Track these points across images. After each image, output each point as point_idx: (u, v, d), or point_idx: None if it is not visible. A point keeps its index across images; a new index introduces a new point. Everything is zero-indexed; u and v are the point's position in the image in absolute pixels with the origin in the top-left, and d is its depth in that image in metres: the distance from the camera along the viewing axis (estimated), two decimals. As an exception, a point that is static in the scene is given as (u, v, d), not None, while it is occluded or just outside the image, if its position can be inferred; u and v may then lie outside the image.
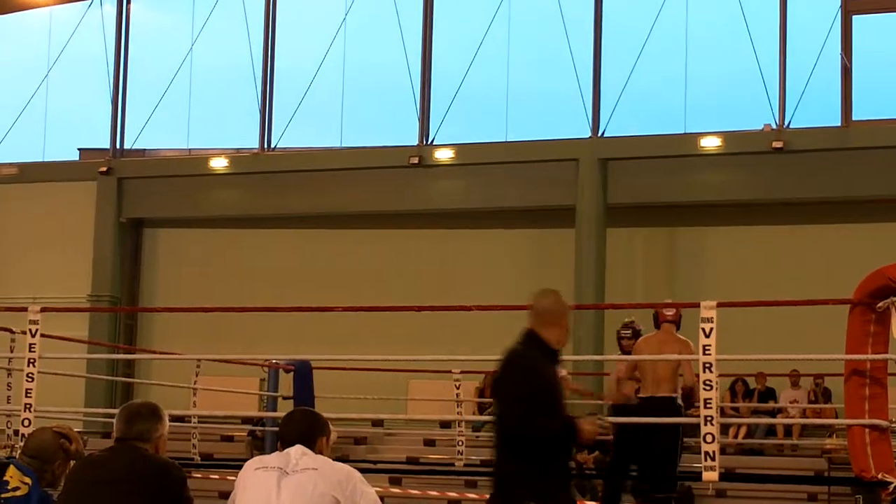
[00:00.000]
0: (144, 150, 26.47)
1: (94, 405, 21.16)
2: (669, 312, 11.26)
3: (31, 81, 26.44)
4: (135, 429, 5.38)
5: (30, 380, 9.87)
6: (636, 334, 12.21)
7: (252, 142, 25.36)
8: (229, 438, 21.36)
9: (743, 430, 19.75)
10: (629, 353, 12.09)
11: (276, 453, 5.40)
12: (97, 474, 5.26)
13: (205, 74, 25.77)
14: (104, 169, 25.57)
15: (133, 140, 26.11)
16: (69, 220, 25.74)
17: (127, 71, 26.32)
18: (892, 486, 7.87)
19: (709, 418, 7.92)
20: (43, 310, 9.94)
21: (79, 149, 27.47)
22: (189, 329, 23.09)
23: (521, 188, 22.85)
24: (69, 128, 27.00)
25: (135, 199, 25.73)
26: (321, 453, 5.36)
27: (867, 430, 7.96)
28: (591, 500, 17.72)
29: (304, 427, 5.43)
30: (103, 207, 25.60)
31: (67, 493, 5.28)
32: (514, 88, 23.87)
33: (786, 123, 21.82)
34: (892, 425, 7.98)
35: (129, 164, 25.91)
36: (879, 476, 7.89)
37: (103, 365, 21.12)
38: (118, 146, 26.14)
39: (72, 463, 5.62)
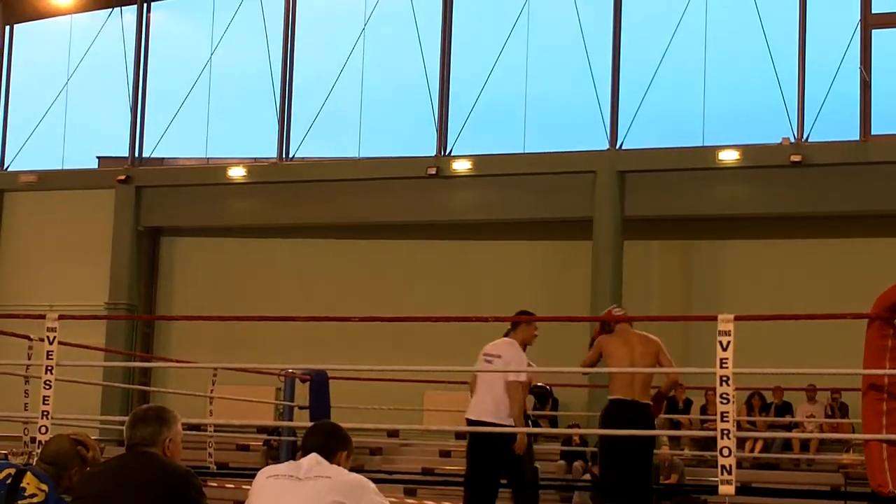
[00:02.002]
0: (163, 158, 26.55)
1: (111, 413, 21.20)
2: (619, 311, 10.96)
3: (51, 89, 26.55)
4: (139, 433, 5.36)
5: (47, 387, 9.88)
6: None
7: (270, 151, 25.42)
8: (245, 447, 21.39)
9: (759, 444, 19.71)
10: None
11: (289, 462, 5.40)
12: (108, 481, 5.26)
13: (224, 84, 25.85)
14: (123, 177, 25.65)
15: (152, 149, 26.20)
16: (87, 229, 25.83)
17: (146, 79, 26.41)
18: (909, 501, 7.84)
19: (725, 432, 7.90)
20: (61, 317, 9.95)
21: (97, 157, 27.59)
22: (206, 337, 23.13)
23: (538, 200, 22.85)
24: (88, 136, 27.11)
25: (153, 208, 25.80)
26: (339, 465, 5.35)
27: (885, 445, 7.94)
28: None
29: (325, 439, 5.42)
30: (121, 216, 25.67)
31: (78, 499, 5.28)
32: (531, 100, 23.89)
33: (804, 137, 21.78)
34: (910, 440, 7.95)
35: (147, 173, 25.98)
36: (896, 491, 7.86)
37: (120, 373, 21.19)
38: (137, 155, 26.22)
39: (88, 470, 5.63)
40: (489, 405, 10.57)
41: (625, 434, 10.01)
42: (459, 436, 19.52)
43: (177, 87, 25.70)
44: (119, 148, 26.46)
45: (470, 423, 10.68)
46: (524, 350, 10.74)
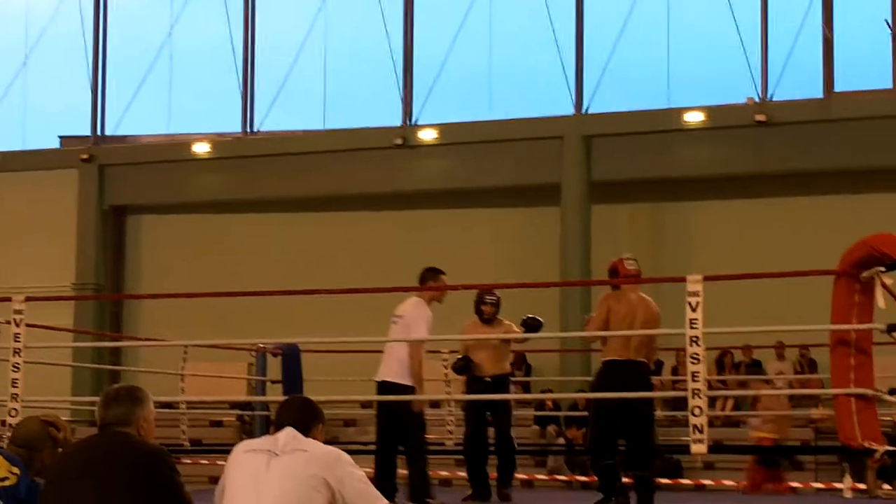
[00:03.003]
0: (125, 136, 26.37)
1: (81, 394, 21.11)
2: (633, 267, 10.62)
3: (10, 69, 26.31)
4: (112, 413, 5.34)
5: (16, 370, 9.85)
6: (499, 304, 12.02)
7: (234, 126, 25.31)
8: (218, 423, 21.37)
9: (730, 403, 19.82)
10: (489, 320, 11.95)
11: (266, 436, 5.40)
12: (81, 461, 5.24)
13: (185, 59, 25.68)
14: (85, 156, 25.48)
15: (114, 127, 26.03)
16: (51, 209, 25.65)
17: (106, 57, 26.18)
18: (879, 453, 7.90)
19: (696, 391, 7.94)
20: (27, 299, 9.91)
21: (59, 136, 27.34)
22: (175, 315, 23.01)
23: (505, 167, 22.85)
24: (49, 115, 26.87)
25: (117, 186, 25.65)
26: (314, 439, 5.36)
27: (853, 399, 7.99)
28: (582, 475, 17.84)
29: (300, 414, 5.43)
30: (85, 195, 25.52)
31: (52, 481, 5.26)
32: (496, 67, 23.86)
33: (768, 96, 21.85)
34: (878, 394, 8.01)
35: (110, 151, 25.81)
36: (866, 444, 7.92)
37: (89, 353, 21.06)
38: (99, 133, 26.03)
39: (59, 451, 5.60)
40: (394, 366, 10.63)
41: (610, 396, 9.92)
42: (433, 404, 19.57)
43: (137, 64, 25.52)
44: (81, 127, 26.25)
45: (377, 385, 10.73)
46: (429, 305, 10.72)
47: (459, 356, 12.26)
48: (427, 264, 11.29)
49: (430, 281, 10.93)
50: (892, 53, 21.39)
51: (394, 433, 10.64)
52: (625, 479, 10.23)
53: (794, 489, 16.71)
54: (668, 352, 19.20)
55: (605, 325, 10.13)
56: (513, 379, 12.83)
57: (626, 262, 10.60)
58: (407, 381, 10.54)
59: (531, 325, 11.87)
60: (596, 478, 10.38)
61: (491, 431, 12.21)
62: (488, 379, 11.96)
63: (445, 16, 23.79)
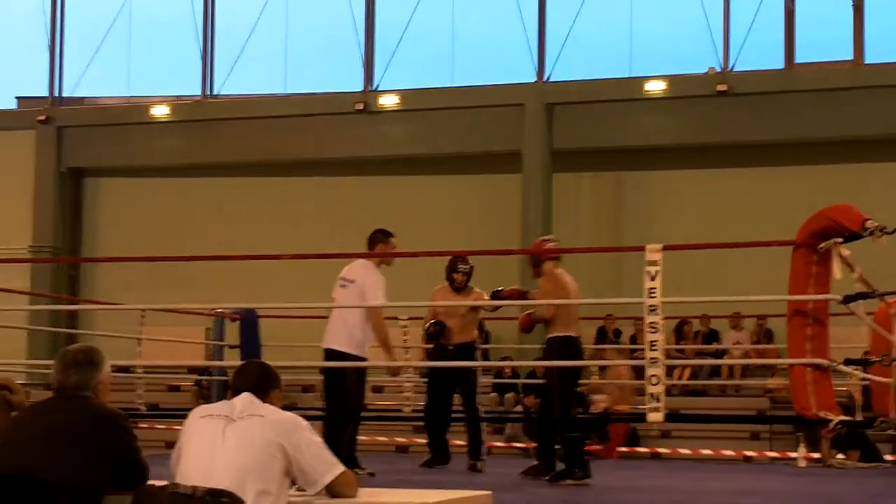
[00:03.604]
0: (84, 98, 26.15)
1: (37, 357, 20.99)
2: (554, 244, 10.65)
3: (-34, 29, 26.03)
4: (72, 379, 5.30)
5: (-29, 332, 9.79)
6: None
7: (194, 89, 25.14)
8: (176, 388, 21.31)
9: (687, 372, 19.94)
10: (460, 289, 11.89)
11: (223, 402, 5.37)
12: (37, 426, 5.20)
13: (144, 20, 25.44)
14: (43, 118, 25.26)
15: (72, 88, 25.81)
16: (8, 170, 25.41)
17: (64, 17, 25.92)
18: (833, 423, 7.96)
19: (654, 360, 7.96)
20: (-17, 261, 9.84)
21: (17, 97, 27.09)
22: (133, 279, 22.91)
23: (466, 134, 22.83)
24: (7, 76, 26.60)
25: (75, 148, 25.45)
26: (271, 404, 5.35)
27: (809, 369, 8.05)
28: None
29: (256, 378, 5.41)
30: (43, 157, 25.31)
31: (5, 445, 5.22)
32: (459, 33, 23.80)
33: (730, 66, 21.90)
34: (833, 364, 8.06)
35: (68, 113, 25.59)
36: (820, 414, 7.98)
37: (46, 317, 20.95)
38: (57, 94, 25.81)
39: (14, 414, 5.56)
40: (343, 332, 10.47)
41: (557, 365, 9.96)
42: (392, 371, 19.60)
43: (96, 25, 25.26)
44: (38, 88, 26.03)
45: (324, 352, 10.58)
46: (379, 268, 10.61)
47: (432, 321, 12.09)
48: (388, 229, 11.13)
49: (379, 244, 10.76)
50: (852, 25, 21.47)
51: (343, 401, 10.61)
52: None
53: (748, 458, 16.84)
54: (628, 320, 19.32)
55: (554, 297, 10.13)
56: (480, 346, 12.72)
57: (547, 244, 10.64)
58: (352, 351, 10.42)
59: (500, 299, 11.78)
60: (562, 447, 10.26)
61: (456, 399, 12.18)
62: (451, 347, 11.90)
63: (408, -20, 23.68)
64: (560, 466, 9.95)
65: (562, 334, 10.16)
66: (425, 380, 17.45)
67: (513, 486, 9.48)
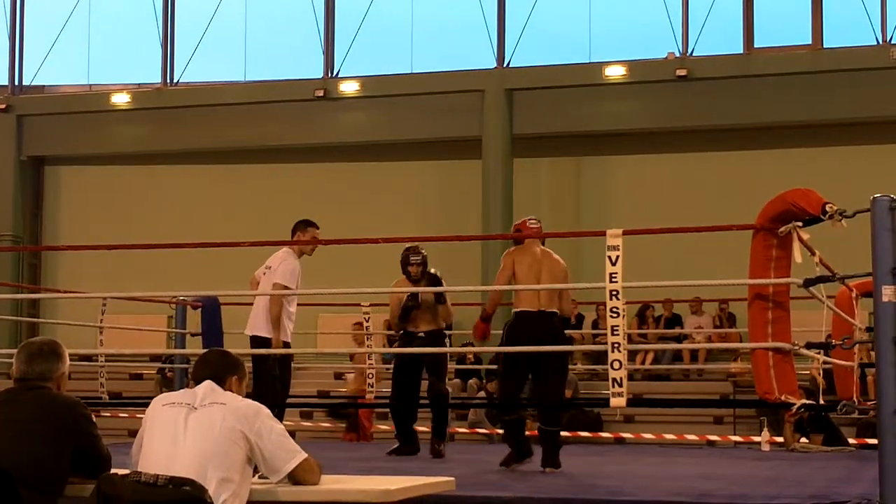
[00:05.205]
0: (44, 86, 25.98)
1: (-1, 346, 20.88)
2: (535, 224, 10.58)
3: (-76, 17, 25.78)
4: (36, 369, 5.34)
5: (-70, 322, 9.73)
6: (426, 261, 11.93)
7: (154, 77, 25.02)
8: (138, 377, 21.25)
9: (650, 357, 20.02)
10: (417, 280, 11.78)
11: (185, 390, 5.39)
12: (1, 415, 5.20)
13: (104, 8, 25.30)
14: (2, 106, 25.12)
15: (32, 76, 25.64)
16: (-33, 159, 25.24)
17: (24, 4, 25.76)
18: (795, 406, 8.00)
19: (616, 345, 7.98)
20: (-58, 250, 9.77)
21: (-25, 86, 26.89)
22: (94, 268, 22.83)
23: (427, 120, 22.83)
24: (-35, 64, 26.39)
25: (35, 137, 25.30)
26: (232, 392, 5.36)
27: (770, 353, 8.07)
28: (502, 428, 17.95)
29: (217, 367, 5.42)
30: (3, 145, 25.16)
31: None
32: (418, 19, 23.76)
33: (689, 52, 21.99)
34: (795, 348, 8.10)
35: (28, 101, 25.44)
36: (783, 398, 8.00)
37: (7, 306, 20.84)
38: (16, 83, 25.64)
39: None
40: (262, 318, 10.82)
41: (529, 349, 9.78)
42: (353, 357, 19.61)
43: (56, 12, 25.10)
44: (-2, 76, 25.85)
45: (250, 339, 10.92)
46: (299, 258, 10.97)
47: (408, 296, 11.95)
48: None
49: (298, 232, 11.16)
50: (811, 10, 21.58)
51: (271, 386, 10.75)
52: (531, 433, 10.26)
53: (712, 442, 16.94)
54: (589, 305, 19.37)
55: (509, 281, 10.05)
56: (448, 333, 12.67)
57: (529, 222, 10.63)
58: (268, 334, 10.71)
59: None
60: (503, 430, 10.21)
61: (423, 385, 12.16)
62: (422, 334, 11.87)
63: (368, -34, 23.64)
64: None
65: (515, 310, 10.05)
66: (387, 366, 17.48)
67: (475, 473, 9.48)
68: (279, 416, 10.69)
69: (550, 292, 9.93)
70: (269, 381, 10.72)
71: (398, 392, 12.05)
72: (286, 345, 10.80)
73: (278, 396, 10.81)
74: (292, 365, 11.52)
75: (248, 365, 12.23)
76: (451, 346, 11.81)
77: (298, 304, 11.30)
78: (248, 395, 5.45)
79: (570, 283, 10.54)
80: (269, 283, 10.82)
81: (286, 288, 10.66)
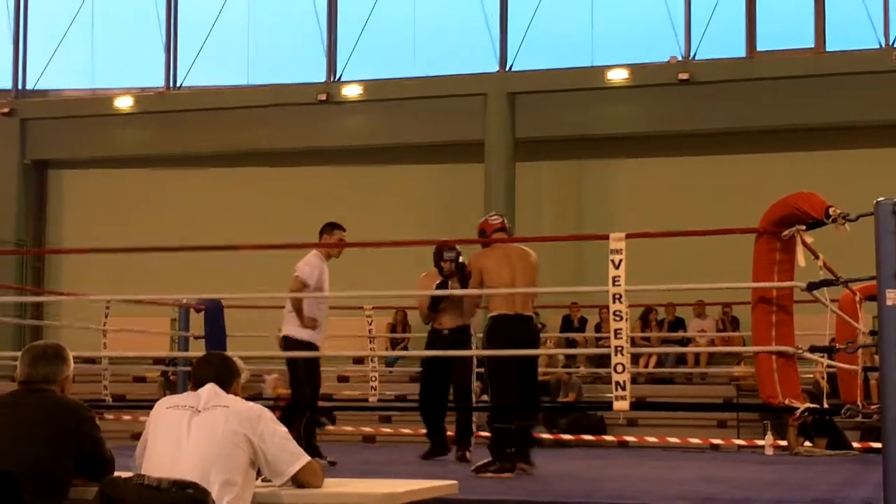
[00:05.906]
0: (48, 90, 26.01)
1: (2, 349, 20.85)
2: (497, 221, 10.53)
3: (-73, 21, 25.80)
4: (40, 371, 5.34)
5: (-66, 325, 9.73)
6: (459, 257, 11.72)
7: (158, 80, 25.03)
8: (141, 379, 21.25)
9: (653, 360, 20.01)
10: (448, 277, 11.54)
11: (188, 392, 5.38)
12: (4, 417, 5.21)
13: (108, 12, 25.32)
14: (6, 110, 25.13)
15: (36, 80, 25.66)
16: (-29, 163, 25.27)
17: (28, 9, 25.79)
18: (799, 410, 8.00)
19: (619, 348, 7.98)
20: (-54, 254, 9.78)
21: (-21, 90, 26.92)
22: (98, 271, 22.82)
23: (429, 123, 22.84)
24: (-32, 69, 26.42)
25: (39, 141, 25.32)
26: (234, 395, 5.37)
27: (774, 356, 8.07)
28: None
29: (217, 369, 5.43)
30: (6, 149, 25.17)
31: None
32: (421, 23, 23.77)
33: (691, 55, 21.99)
34: (798, 352, 8.10)
35: (32, 105, 25.46)
36: (786, 401, 8.01)
37: (11, 308, 20.84)
38: (20, 86, 25.67)
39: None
40: (288, 317, 11.04)
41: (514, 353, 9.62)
42: (357, 361, 19.61)
43: (60, 16, 25.13)
44: (2, 80, 25.85)
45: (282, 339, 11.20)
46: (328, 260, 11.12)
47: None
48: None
49: (325, 234, 11.25)
50: (814, 13, 21.58)
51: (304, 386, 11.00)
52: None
53: (715, 446, 16.92)
54: (592, 309, 19.37)
55: (478, 286, 9.92)
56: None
57: (490, 218, 10.67)
58: (303, 337, 10.86)
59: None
60: (491, 435, 9.87)
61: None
62: (446, 332, 11.74)
63: (371, -30, 23.64)
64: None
65: (493, 313, 9.86)
66: (390, 369, 17.44)
67: (478, 476, 9.46)
68: (312, 418, 10.84)
69: (525, 295, 9.82)
70: (296, 382, 11.00)
71: (426, 393, 11.99)
72: (313, 346, 10.89)
73: (307, 399, 10.97)
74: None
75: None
76: (475, 342, 11.65)
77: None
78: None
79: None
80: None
81: (303, 281, 10.79)
